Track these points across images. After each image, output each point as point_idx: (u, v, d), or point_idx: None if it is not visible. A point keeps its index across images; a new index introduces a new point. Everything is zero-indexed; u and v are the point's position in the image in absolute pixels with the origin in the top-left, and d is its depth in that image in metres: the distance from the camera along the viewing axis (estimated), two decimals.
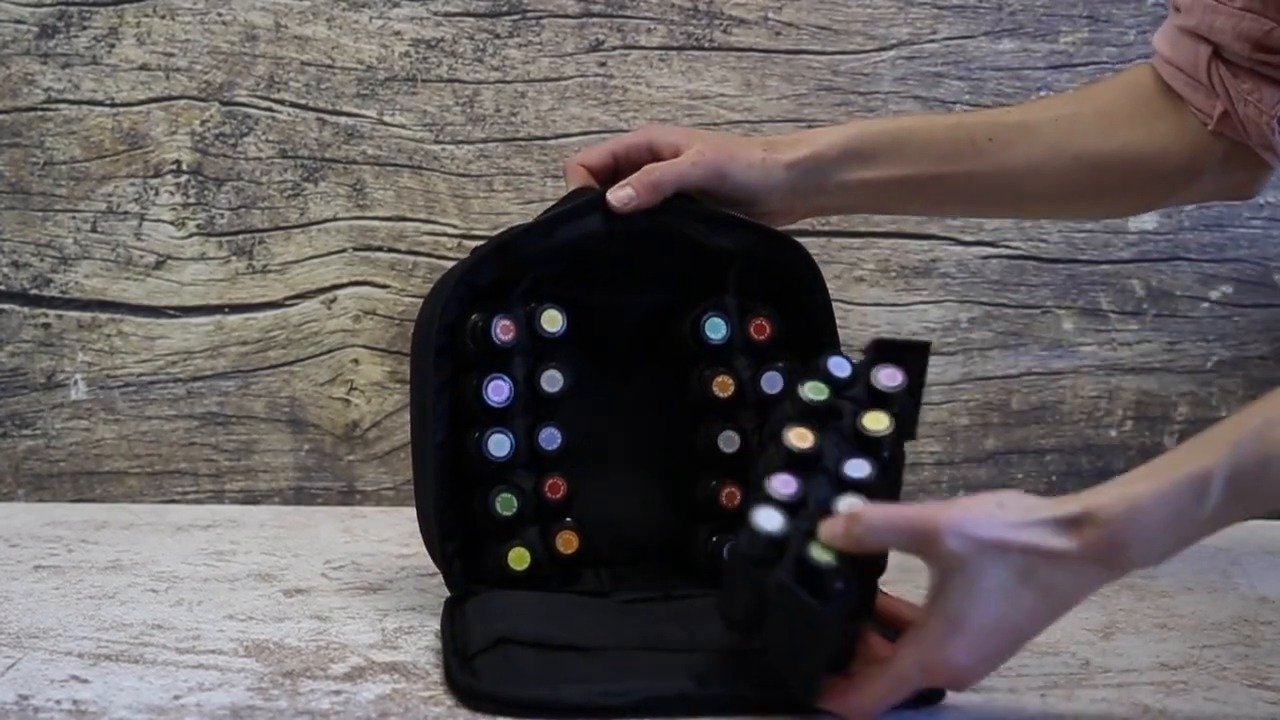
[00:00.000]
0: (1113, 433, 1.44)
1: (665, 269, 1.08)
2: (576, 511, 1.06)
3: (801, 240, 1.09)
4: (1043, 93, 1.41)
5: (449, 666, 0.92)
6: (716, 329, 1.07)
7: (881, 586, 0.91)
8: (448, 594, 1.04)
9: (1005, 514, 0.81)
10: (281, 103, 1.39)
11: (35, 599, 1.08)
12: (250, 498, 1.41)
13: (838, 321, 1.08)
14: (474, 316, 1.04)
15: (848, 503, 0.86)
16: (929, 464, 1.42)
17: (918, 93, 1.41)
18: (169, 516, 1.35)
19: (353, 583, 1.14)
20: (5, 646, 0.98)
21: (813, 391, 0.90)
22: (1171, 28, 1.12)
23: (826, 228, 1.41)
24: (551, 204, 1.09)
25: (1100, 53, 1.42)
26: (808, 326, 1.07)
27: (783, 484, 0.86)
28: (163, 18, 1.38)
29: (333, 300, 1.40)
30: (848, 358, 0.92)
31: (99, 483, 1.40)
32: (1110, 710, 0.90)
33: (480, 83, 1.39)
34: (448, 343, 1.05)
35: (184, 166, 1.39)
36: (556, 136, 1.40)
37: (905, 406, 0.92)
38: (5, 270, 1.39)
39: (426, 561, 1.09)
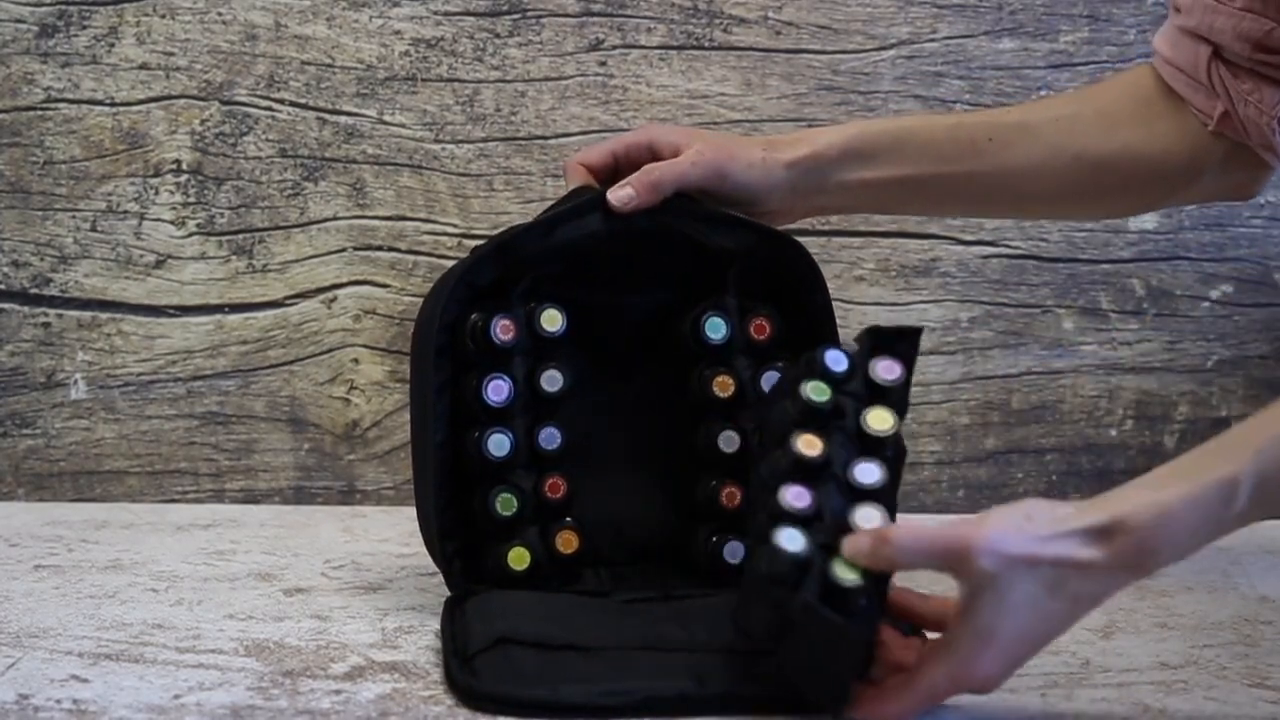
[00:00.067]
0: (1113, 432, 1.44)
1: (665, 269, 1.08)
2: (576, 511, 1.06)
3: (801, 240, 1.09)
4: (1043, 92, 1.41)
5: (449, 666, 0.92)
6: (717, 329, 1.07)
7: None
8: (448, 594, 1.04)
9: (1034, 527, 0.81)
10: (281, 102, 1.39)
11: (35, 598, 1.08)
12: (250, 497, 1.41)
13: (838, 321, 1.08)
14: (474, 316, 1.04)
15: (863, 514, 0.85)
16: (929, 464, 1.42)
17: (918, 92, 1.41)
18: (169, 516, 1.35)
19: (353, 582, 1.14)
20: (5, 646, 0.98)
21: (815, 392, 0.90)
22: (1172, 28, 1.12)
23: (826, 227, 1.40)
24: (551, 203, 1.09)
25: (1100, 52, 1.42)
26: (808, 326, 1.07)
27: (795, 496, 0.86)
28: (163, 17, 1.38)
29: (333, 300, 1.40)
30: (844, 350, 0.92)
31: (99, 482, 1.40)
32: (1110, 710, 0.90)
33: (480, 82, 1.39)
34: (448, 342, 1.05)
35: (184, 166, 1.39)
36: (556, 136, 1.40)
37: (902, 394, 0.92)
38: (5, 270, 1.39)
39: (426, 561, 1.09)
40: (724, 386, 1.07)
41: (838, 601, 0.82)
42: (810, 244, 1.10)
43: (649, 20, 1.39)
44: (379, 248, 1.40)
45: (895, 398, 0.91)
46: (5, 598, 1.08)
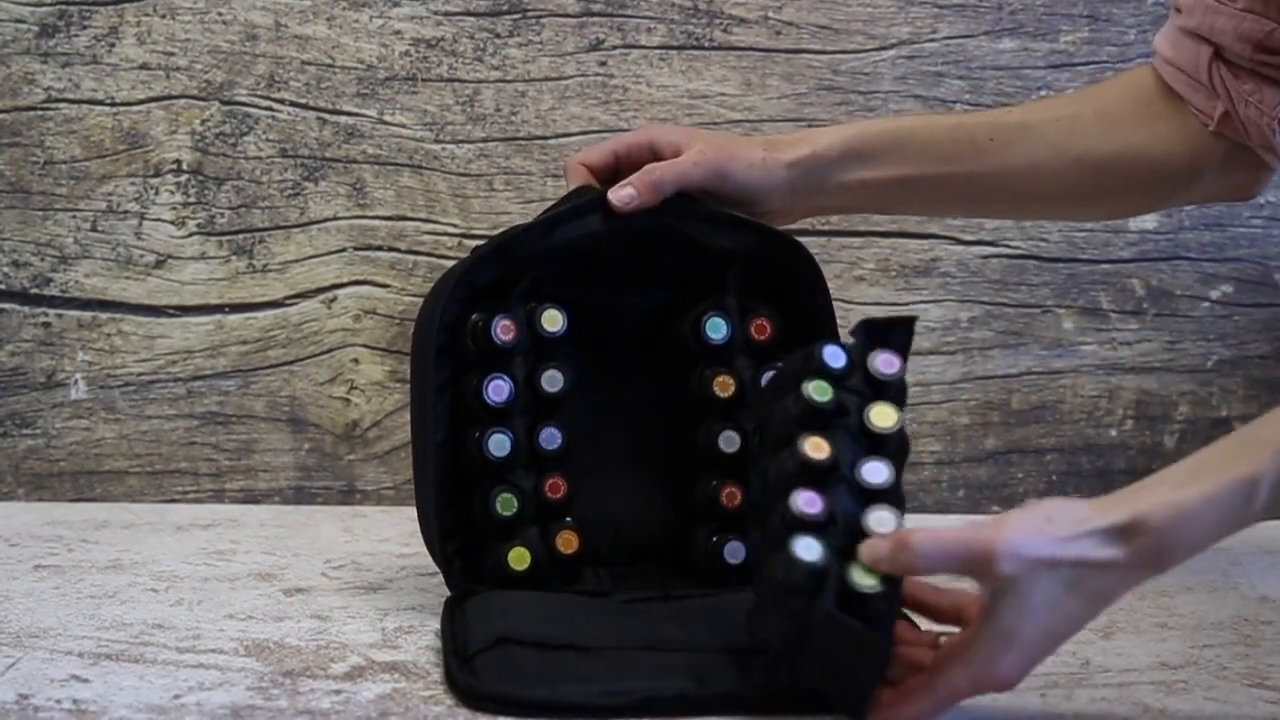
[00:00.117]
0: (1113, 432, 1.44)
1: (666, 269, 1.08)
2: (576, 511, 1.06)
3: (801, 240, 1.09)
4: (1043, 92, 1.41)
5: (449, 666, 0.92)
6: (717, 329, 1.07)
7: None
8: (448, 594, 1.04)
9: (1054, 529, 0.81)
10: (281, 102, 1.39)
11: (35, 598, 1.08)
12: (250, 497, 1.41)
13: (838, 321, 1.08)
14: (474, 316, 1.04)
15: (877, 517, 0.85)
16: (929, 464, 1.42)
17: (918, 92, 1.41)
18: (169, 516, 1.35)
19: (353, 582, 1.14)
20: (5, 646, 0.98)
21: (817, 392, 0.89)
22: (1172, 28, 1.12)
23: (826, 227, 1.40)
24: (552, 203, 1.09)
25: (1100, 52, 1.42)
26: (808, 326, 1.07)
27: (807, 503, 0.85)
28: (163, 17, 1.38)
29: (333, 300, 1.40)
30: (841, 345, 0.91)
31: (99, 482, 1.40)
32: (1110, 710, 0.90)
33: (480, 82, 1.39)
34: (448, 342, 1.05)
35: (184, 166, 1.39)
36: (556, 136, 1.40)
37: (902, 386, 0.92)
38: (5, 270, 1.39)
39: (426, 561, 1.09)
40: (724, 386, 1.07)
41: (857, 608, 0.82)
42: (810, 244, 1.10)
43: (649, 20, 1.39)
44: (379, 248, 1.40)
45: (895, 391, 0.91)
46: (5, 598, 1.08)
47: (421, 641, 1.00)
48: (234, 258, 1.39)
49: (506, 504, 1.04)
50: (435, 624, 1.02)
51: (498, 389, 1.04)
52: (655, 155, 1.08)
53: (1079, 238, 1.43)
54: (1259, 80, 1.06)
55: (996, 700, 0.86)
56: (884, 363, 0.91)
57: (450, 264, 1.16)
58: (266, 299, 1.40)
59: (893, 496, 0.87)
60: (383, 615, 1.06)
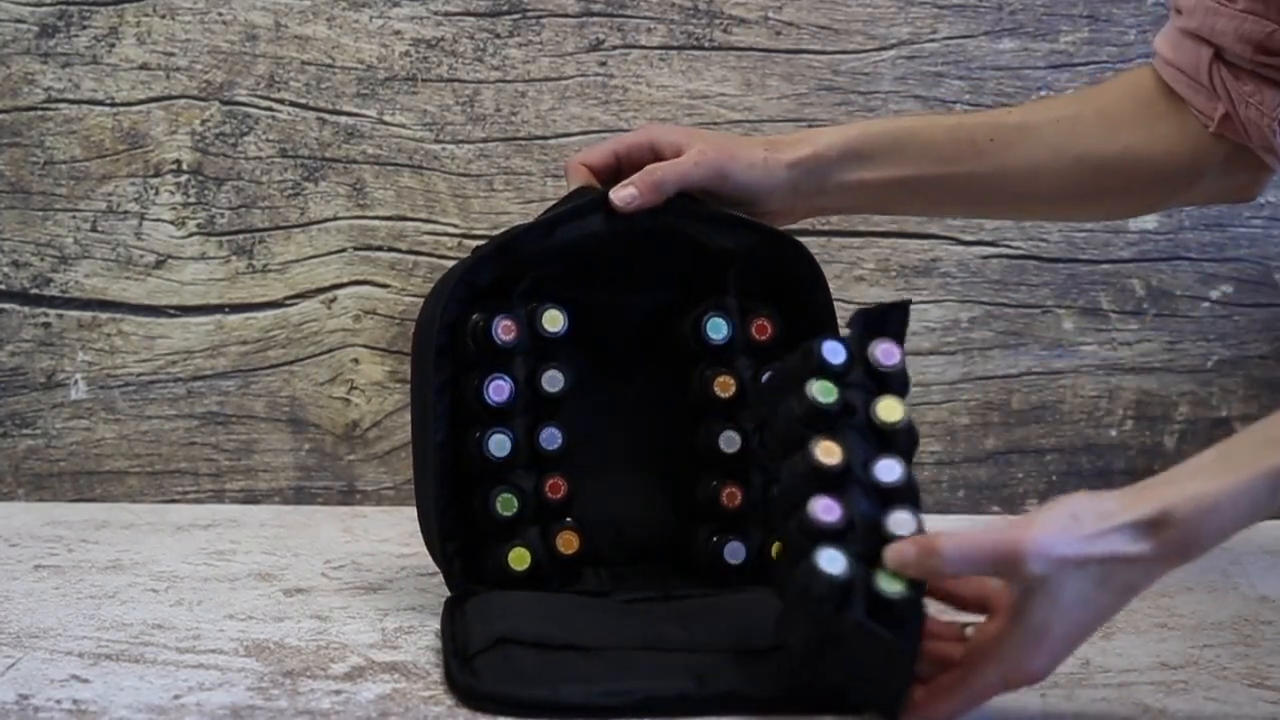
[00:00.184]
0: (1113, 432, 1.44)
1: (666, 269, 1.08)
2: (577, 511, 1.06)
3: (801, 240, 1.09)
4: (1043, 92, 1.41)
5: (449, 666, 0.92)
6: (718, 329, 1.07)
7: None
8: (448, 594, 1.04)
9: (1080, 526, 0.81)
10: (281, 102, 1.39)
11: (35, 599, 1.08)
12: (250, 497, 1.41)
13: (839, 321, 1.08)
14: (475, 316, 1.04)
15: (897, 520, 0.85)
16: (929, 464, 1.42)
17: (918, 92, 1.41)
18: (169, 516, 1.35)
19: (353, 582, 1.14)
20: (5, 646, 0.98)
21: (822, 394, 0.89)
22: (1173, 29, 1.12)
23: (826, 227, 1.40)
24: (552, 203, 1.09)
25: (1100, 52, 1.42)
26: (809, 326, 1.06)
27: (825, 510, 0.85)
28: (163, 17, 1.38)
29: (333, 300, 1.40)
30: (840, 340, 0.91)
31: (99, 482, 1.40)
32: (1110, 710, 0.90)
33: (480, 82, 1.39)
34: (448, 342, 1.05)
35: (184, 166, 1.39)
36: (557, 136, 1.40)
37: (903, 376, 0.91)
38: (5, 270, 1.39)
39: (426, 561, 1.09)
40: (725, 387, 1.07)
41: (885, 614, 0.82)
42: (810, 244, 1.10)
43: (649, 20, 1.39)
44: (379, 248, 1.40)
45: (898, 382, 0.91)
46: (5, 598, 1.08)
47: (421, 641, 1.00)
48: (234, 258, 1.39)
49: (507, 504, 1.04)
50: (435, 624, 1.02)
51: (498, 389, 1.04)
52: (656, 155, 1.08)
53: (1079, 238, 1.43)
54: (1259, 81, 1.06)
55: (996, 700, 0.86)
56: (884, 353, 0.91)
57: (450, 264, 1.16)
58: (266, 299, 1.40)
59: (908, 493, 0.87)
60: (383, 615, 1.06)
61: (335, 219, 1.39)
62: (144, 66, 1.38)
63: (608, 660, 0.92)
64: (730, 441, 1.07)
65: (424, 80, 1.39)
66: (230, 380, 1.40)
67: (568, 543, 1.05)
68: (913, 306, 0.94)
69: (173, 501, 1.40)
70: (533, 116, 1.39)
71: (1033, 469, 1.44)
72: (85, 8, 1.38)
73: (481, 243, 1.09)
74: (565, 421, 1.06)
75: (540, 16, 1.39)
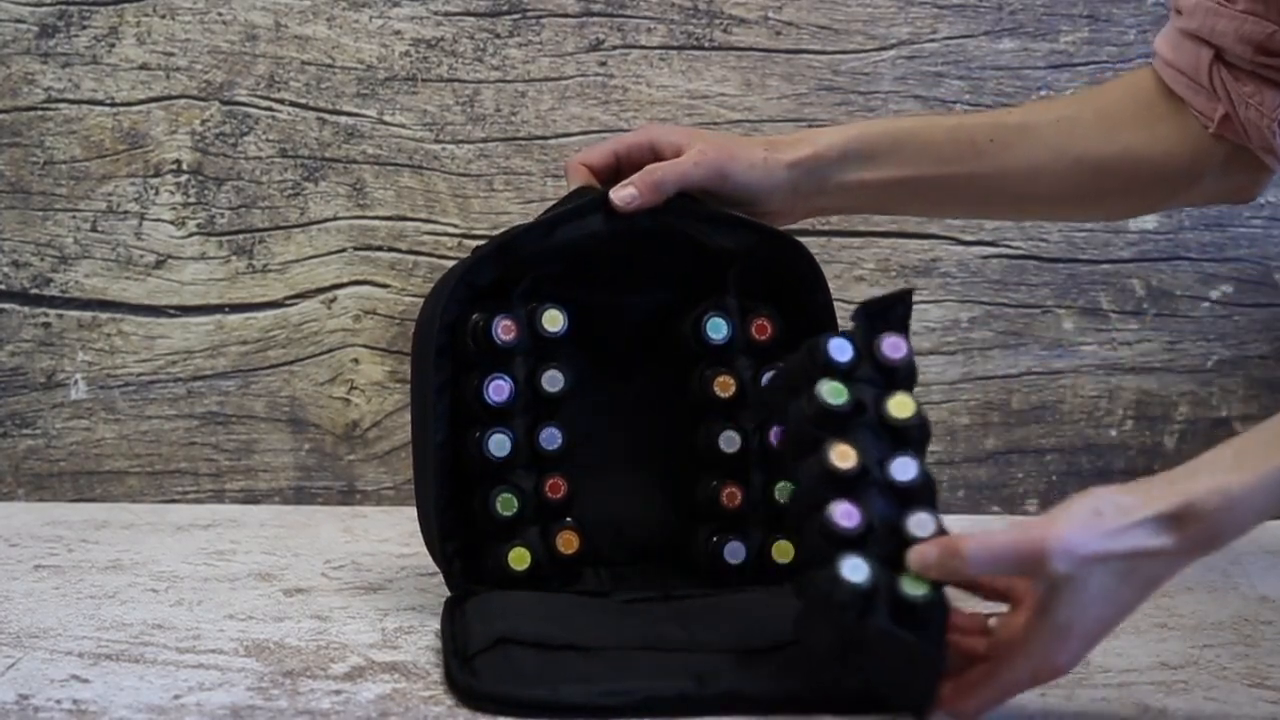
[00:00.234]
0: (1113, 432, 1.44)
1: (666, 269, 1.08)
2: (577, 511, 1.06)
3: (801, 240, 1.09)
4: (1043, 92, 1.41)
5: (449, 666, 0.92)
6: (718, 329, 1.07)
7: None
8: (448, 594, 1.04)
9: (1103, 522, 0.81)
10: (281, 102, 1.39)
11: (35, 599, 1.08)
12: (250, 497, 1.41)
13: (838, 321, 1.08)
14: (475, 316, 1.04)
15: (917, 521, 0.85)
16: (929, 464, 1.42)
17: (918, 92, 1.41)
18: (169, 516, 1.35)
19: (353, 582, 1.14)
20: (5, 646, 0.98)
21: (832, 395, 0.88)
22: (1173, 30, 1.12)
23: (826, 228, 1.40)
24: (552, 203, 1.09)
25: (1100, 52, 1.42)
26: (809, 326, 1.06)
27: (844, 516, 0.85)
28: (163, 17, 1.38)
29: (333, 300, 1.40)
30: (846, 336, 0.91)
31: (99, 482, 1.40)
32: (1110, 710, 0.90)
33: (480, 82, 1.39)
34: (448, 342, 1.05)
35: (184, 166, 1.39)
36: (557, 136, 1.40)
37: (911, 369, 0.91)
38: (5, 270, 1.39)
39: (426, 561, 1.09)
40: (725, 387, 1.07)
41: (909, 617, 0.82)
42: (810, 244, 1.10)
43: (649, 20, 1.39)
44: (379, 248, 1.40)
45: (906, 377, 0.91)
46: (5, 598, 1.08)
47: (421, 641, 1.00)
48: (234, 258, 1.39)
49: (507, 504, 1.04)
50: (435, 624, 1.02)
51: (498, 389, 1.04)
52: (656, 155, 1.08)
53: (1079, 238, 1.43)
54: (1259, 82, 1.06)
55: None
56: (890, 347, 0.91)
57: (450, 264, 1.16)
58: (266, 299, 1.40)
59: (924, 491, 0.87)
60: (383, 615, 1.06)
61: (335, 219, 1.40)
62: (144, 66, 1.38)
63: (608, 660, 0.92)
64: (730, 441, 1.07)
65: (424, 80, 1.39)
66: (230, 380, 1.40)
67: (568, 543, 1.05)
68: (913, 307, 0.94)
69: (173, 501, 1.40)
70: (533, 116, 1.39)
71: (1033, 469, 1.44)
72: (85, 8, 1.38)
73: (481, 243, 1.09)
74: (565, 421, 1.06)
75: (540, 16, 1.39)
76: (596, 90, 1.39)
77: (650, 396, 1.10)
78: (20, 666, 0.94)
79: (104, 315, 1.39)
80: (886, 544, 0.84)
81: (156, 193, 1.39)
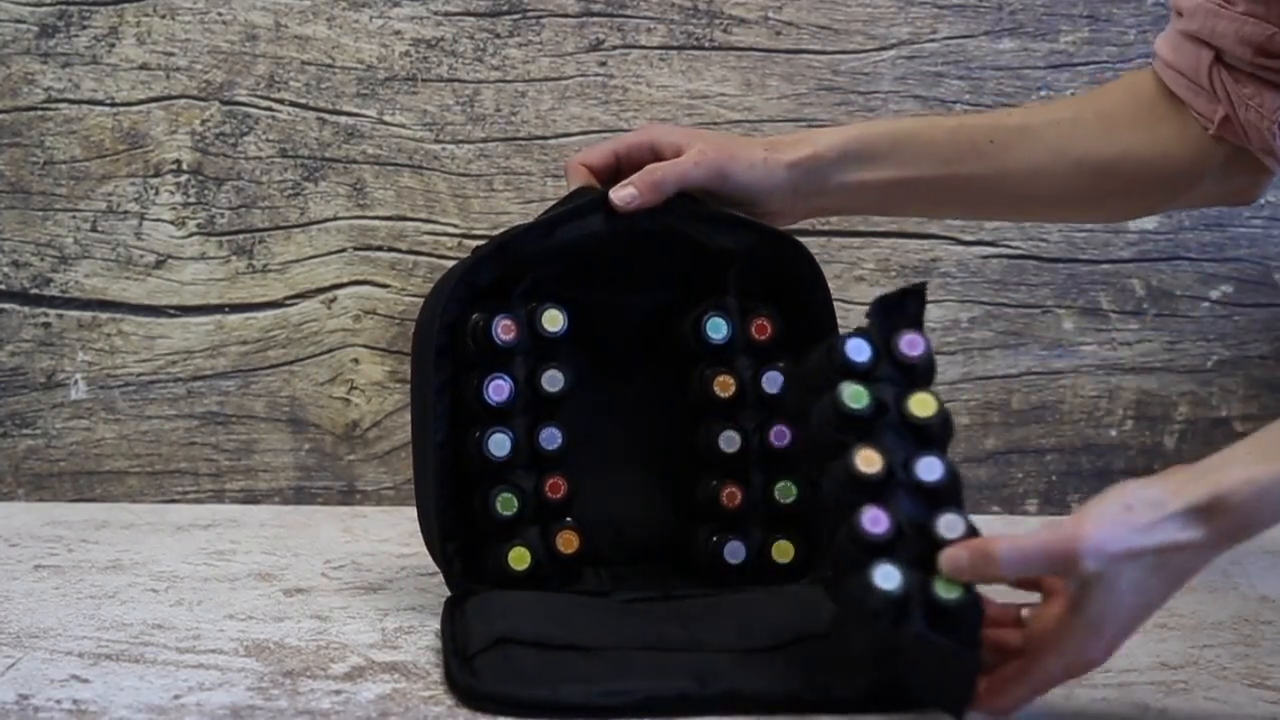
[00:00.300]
0: (1113, 432, 1.44)
1: (666, 269, 1.08)
2: (577, 511, 1.06)
3: (801, 240, 1.09)
4: (1043, 93, 1.41)
5: (449, 666, 0.92)
6: (718, 329, 1.07)
7: None
8: (448, 594, 1.04)
9: (1134, 517, 0.81)
10: (281, 102, 1.39)
11: (35, 599, 1.08)
12: (250, 497, 1.41)
13: (838, 321, 1.08)
14: (475, 316, 1.04)
15: (947, 523, 0.84)
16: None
17: (918, 92, 1.41)
18: (169, 516, 1.35)
19: (353, 582, 1.14)
20: (5, 646, 0.98)
21: (853, 400, 0.88)
22: (1173, 32, 1.11)
23: (826, 228, 1.40)
24: (552, 203, 1.09)
25: (1100, 52, 1.42)
26: (809, 326, 1.07)
27: (873, 522, 0.84)
28: (163, 17, 1.38)
29: (333, 300, 1.40)
30: (864, 335, 0.91)
31: (99, 482, 1.40)
32: (1110, 710, 0.90)
33: (480, 82, 1.39)
34: (448, 342, 1.05)
35: (184, 166, 1.39)
36: (557, 136, 1.40)
37: (930, 365, 0.91)
38: (5, 270, 1.39)
39: (426, 561, 1.09)
40: (725, 386, 1.07)
41: (943, 621, 0.82)
42: (810, 244, 1.10)
43: (649, 20, 1.39)
44: (379, 248, 1.40)
45: (925, 373, 0.91)
46: (5, 598, 1.08)
47: (421, 641, 1.00)
48: (234, 258, 1.39)
49: (506, 504, 1.04)
50: (435, 624, 1.02)
51: (498, 389, 1.04)
52: (656, 155, 1.08)
53: (1079, 238, 1.43)
54: (1259, 84, 1.06)
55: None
56: (908, 344, 0.91)
57: (450, 264, 1.16)
58: (266, 299, 1.40)
59: (951, 491, 0.87)
60: (383, 615, 1.06)
61: (335, 219, 1.40)
62: (144, 66, 1.38)
63: (608, 660, 0.92)
64: (730, 441, 1.07)
65: (424, 80, 1.39)
66: (230, 380, 1.40)
67: (568, 542, 1.05)
68: (926, 301, 0.94)
69: (173, 501, 1.40)
70: (533, 116, 1.39)
71: (1033, 469, 1.44)
72: (85, 8, 1.38)
73: (481, 243, 1.09)
74: (565, 421, 1.06)
75: (540, 16, 1.39)
76: (596, 90, 1.39)
77: (650, 396, 1.10)
78: (20, 666, 0.94)
79: (104, 315, 1.39)
80: (916, 545, 0.84)
81: (156, 193, 1.39)
